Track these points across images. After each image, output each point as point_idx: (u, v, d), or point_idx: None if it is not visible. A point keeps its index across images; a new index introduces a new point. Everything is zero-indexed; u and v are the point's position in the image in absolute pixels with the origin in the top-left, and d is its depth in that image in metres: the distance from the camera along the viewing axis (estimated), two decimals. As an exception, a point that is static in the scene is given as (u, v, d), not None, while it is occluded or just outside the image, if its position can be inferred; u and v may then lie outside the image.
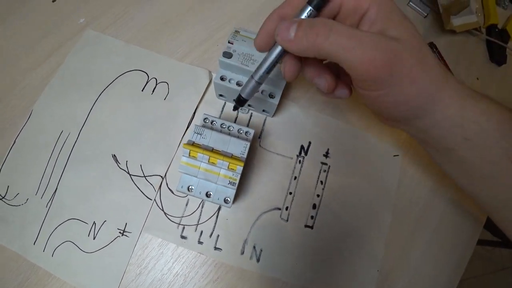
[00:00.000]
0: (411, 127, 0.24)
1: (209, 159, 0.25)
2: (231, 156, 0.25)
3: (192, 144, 0.25)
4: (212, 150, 0.25)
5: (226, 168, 0.25)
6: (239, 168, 0.25)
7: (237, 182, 0.25)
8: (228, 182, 0.25)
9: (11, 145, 0.33)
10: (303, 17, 0.20)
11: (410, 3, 0.45)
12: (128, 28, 0.38)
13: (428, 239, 0.34)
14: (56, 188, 0.32)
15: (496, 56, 0.43)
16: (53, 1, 0.40)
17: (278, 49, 0.21)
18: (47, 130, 0.34)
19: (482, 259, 0.91)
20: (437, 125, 0.22)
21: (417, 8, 0.45)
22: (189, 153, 0.25)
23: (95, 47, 0.37)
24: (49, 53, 0.37)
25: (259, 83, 0.23)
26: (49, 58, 0.37)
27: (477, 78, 0.42)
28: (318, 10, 0.20)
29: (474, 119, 0.21)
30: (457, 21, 0.42)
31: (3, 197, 0.32)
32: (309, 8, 0.19)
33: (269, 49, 0.21)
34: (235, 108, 0.25)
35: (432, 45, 0.42)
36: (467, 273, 0.33)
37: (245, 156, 0.25)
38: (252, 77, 0.23)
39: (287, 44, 0.19)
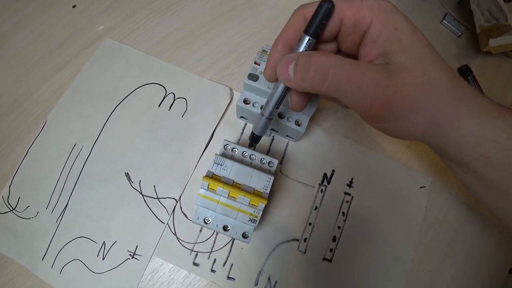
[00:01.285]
0: (424, 142, 0.22)
1: (229, 194, 0.23)
2: (253, 192, 0.23)
3: (211, 176, 0.23)
4: (232, 184, 0.23)
5: (247, 204, 0.23)
6: (261, 205, 0.23)
7: (258, 219, 0.23)
8: (249, 219, 0.23)
9: (24, 155, 0.32)
10: (302, 48, 0.19)
11: (444, 21, 0.42)
12: (147, 38, 0.37)
13: (453, 275, 0.32)
14: (67, 204, 0.31)
15: None
16: (73, 7, 0.38)
17: (281, 85, 0.20)
18: (60, 142, 0.33)
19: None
20: (450, 144, 0.20)
21: (451, 26, 0.42)
22: (208, 185, 0.23)
23: (113, 57, 0.36)
24: (67, 60, 0.36)
25: (270, 119, 0.23)
26: (66, 66, 0.36)
27: (512, 104, 0.40)
28: (316, 38, 0.19)
29: (492, 138, 0.19)
30: (493, 42, 0.39)
31: (14, 209, 0.31)
32: (307, 38, 0.19)
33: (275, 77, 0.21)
34: (250, 146, 0.25)
35: (466, 68, 0.39)
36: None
37: (268, 191, 0.24)
38: (262, 114, 0.23)
39: (288, 84, 0.19)
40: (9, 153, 0.33)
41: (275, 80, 0.21)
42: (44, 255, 0.30)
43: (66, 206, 0.31)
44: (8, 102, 0.35)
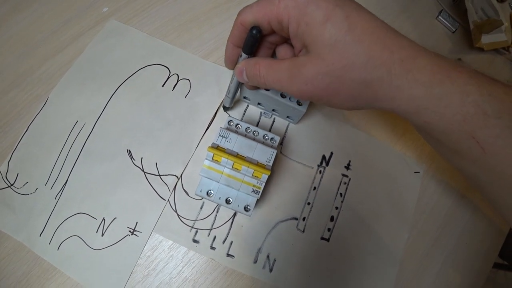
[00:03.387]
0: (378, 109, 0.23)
1: (233, 165, 0.24)
2: (257, 163, 0.24)
3: (216, 147, 0.24)
4: (237, 155, 0.24)
5: (251, 176, 0.24)
6: (264, 176, 0.24)
7: (261, 190, 0.24)
8: (252, 190, 0.24)
9: (23, 132, 0.32)
10: (242, 58, 0.24)
11: (439, 17, 0.44)
12: (151, 21, 0.37)
13: (445, 257, 0.33)
14: (67, 180, 0.31)
15: None
16: (76, -12, 0.39)
17: (236, 80, 0.27)
18: (61, 119, 0.33)
19: (487, 280, 0.90)
20: (396, 112, 0.21)
21: (446, 23, 0.44)
22: (213, 156, 0.24)
23: (118, 37, 0.36)
24: (69, 41, 0.36)
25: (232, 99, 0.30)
26: (68, 46, 0.36)
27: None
28: (251, 54, 0.24)
29: (430, 108, 0.20)
30: (486, 39, 0.41)
31: (12, 185, 0.31)
32: (245, 55, 0.24)
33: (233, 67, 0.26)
34: (225, 109, 0.33)
35: (459, 62, 0.41)
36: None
37: (271, 164, 0.24)
38: (228, 96, 0.30)
39: (246, 83, 0.25)
40: (9, 130, 0.33)
41: (232, 68, 0.26)
42: (42, 231, 0.30)
43: (66, 182, 0.31)
44: (9, 80, 0.34)
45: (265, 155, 0.24)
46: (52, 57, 0.35)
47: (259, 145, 0.25)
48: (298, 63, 0.21)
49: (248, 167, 0.23)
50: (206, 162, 0.24)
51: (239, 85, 0.28)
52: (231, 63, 0.26)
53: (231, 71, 0.28)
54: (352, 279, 0.31)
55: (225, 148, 0.24)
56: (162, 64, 0.35)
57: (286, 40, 0.25)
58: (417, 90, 0.19)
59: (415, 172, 0.35)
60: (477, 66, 0.42)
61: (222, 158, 0.24)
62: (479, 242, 0.34)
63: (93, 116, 0.33)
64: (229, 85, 0.28)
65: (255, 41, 0.22)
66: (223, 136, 0.24)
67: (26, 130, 0.32)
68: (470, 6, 0.41)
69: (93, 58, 0.35)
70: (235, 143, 0.25)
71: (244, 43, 0.23)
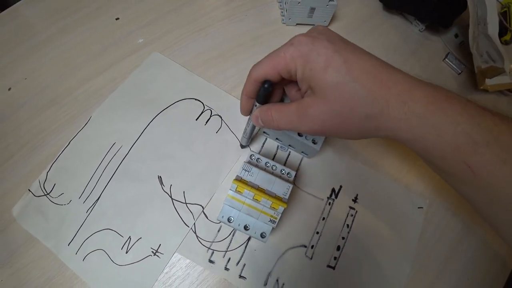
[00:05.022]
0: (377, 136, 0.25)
1: (254, 196, 0.26)
2: (275, 196, 0.27)
3: (240, 180, 0.27)
4: (257, 188, 0.27)
5: (269, 207, 0.27)
6: (281, 208, 0.26)
7: (277, 220, 0.27)
8: (269, 219, 0.27)
9: (64, 146, 0.35)
10: (256, 107, 0.27)
11: (446, 59, 0.47)
12: (181, 54, 0.41)
13: None
14: (100, 196, 0.33)
15: None
16: (116, 19, 0.43)
17: (252, 124, 0.30)
18: (101, 139, 0.36)
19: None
20: (397, 139, 0.23)
21: (452, 64, 0.47)
22: (236, 188, 0.26)
23: (159, 69, 0.39)
24: (106, 67, 0.40)
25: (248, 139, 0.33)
26: (105, 71, 0.39)
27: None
28: (264, 103, 0.26)
29: (425, 137, 0.22)
30: (490, 81, 0.43)
31: (48, 193, 0.33)
32: (258, 104, 0.26)
33: (249, 114, 0.29)
34: (242, 147, 0.35)
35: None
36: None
37: (287, 197, 0.27)
38: (243, 136, 0.33)
39: (263, 127, 0.27)
40: (45, 144, 0.35)
41: (247, 115, 0.29)
42: (71, 241, 0.32)
43: (98, 198, 0.33)
44: (49, 97, 0.38)
45: (282, 189, 0.27)
46: (89, 81, 0.39)
47: (278, 179, 0.27)
48: (304, 104, 0.23)
49: (267, 199, 0.26)
50: (230, 193, 0.27)
51: (254, 127, 0.31)
52: (246, 112, 0.29)
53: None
54: (355, 307, 0.33)
55: (248, 180, 0.27)
56: (197, 98, 0.38)
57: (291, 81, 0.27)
58: (413, 120, 0.21)
59: (418, 208, 0.37)
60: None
61: (245, 190, 0.26)
62: (482, 278, 0.35)
63: (130, 140, 0.36)
64: (246, 128, 0.31)
65: (268, 93, 0.25)
66: (246, 170, 0.27)
67: (68, 145, 0.35)
68: (474, 52, 0.43)
69: (136, 85, 0.38)
70: (257, 176, 0.27)
71: (258, 95, 0.26)
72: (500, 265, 0.36)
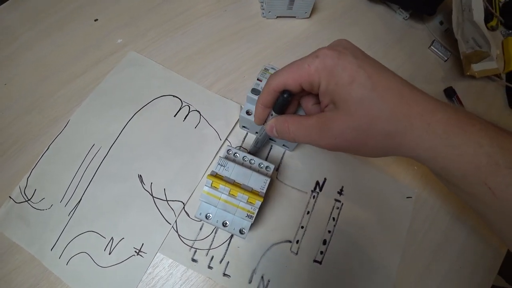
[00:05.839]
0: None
1: (230, 191, 0.26)
2: (251, 191, 0.26)
3: (215, 175, 0.26)
4: (233, 183, 0.26)
5: (245, 202, 0.26)
6: (258, 202, 0.26)
7: (254, 215, 0.26)
8: (246, 215, 0.26)
9: (44, 151, 0.35)
10: (272, 116, 0.26)
11: (431, 47, 0.47)
12: (160, 52, 0.41)
13: (440, 281, 0.34)
14: (81, 199, 0.33)
15: None
16: (95, 20, 0.42)
17: (265, 133, 0.28)
18: (80, 141, 0.35)
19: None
20: (415, 158, 0.23)
21: (438, 52, 0.46)
22: (212, 183, 0.26)
23: (136, 68, 0.39)
24: (86, 68, 0.39)
25: (258, 147, 0.32)
26: (85, 73, 0.39)
27: (495, 124, 0.43)
28: (281, 113, 0.26)
29: (446, 155, 0.22)
30: (477, 67, 0.43)
31: (29, 199, 0.33)
32: (274, 114, 0.26)
33: (263, 123, 0.28)
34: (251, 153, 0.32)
35: (451, 90, 0.43)
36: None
37: (264, 191, 0.26)
38: (255, 146, 0.32)
39: (276, 137, 0.27)
40: (27, 148, 0.35)
41: (261, 124, 0.28)
42: (53, 246, 0.31)
43: (79, 201, 0.33)
44: (29, 102, 0.38)
45: (259, 183, 0.27)
46: (69, 83, 0.39)
47: (254, 173, 0.27)
48: (326, 119, 0.23)
49: (243, 193, 0.26)
50: (206, 188, 0.26)
51: (268, 137, 0.30)
52: (261, 121, 0.28)
53: (245, 111, 0.31)
54: (343, 302, 0.32)
55: (223, 175, 0.27)
56: (175, 95, 0.38)
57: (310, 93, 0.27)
58: (435, 141, 0.21)
59: (407, 197, 0.36)
60: (470, 93, 0.44)
61: (220, 185, 0.26)
62: (473, 267, 0.35)
63: (109, 140, 0.36)
64: (257, 137, 0.30)
65: (286, 104, 0.24)
66: (221, 165, 0.27)
67: (47, 149, 0.35)
68: (459, 38, 0.43)
69: (113, 86, 0.38)
70: (232, 171, 0.27)
71: (275, 105, 0.25)
72: (493, 252, 0.36)
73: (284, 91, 0.24)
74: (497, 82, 0.46)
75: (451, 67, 0.46)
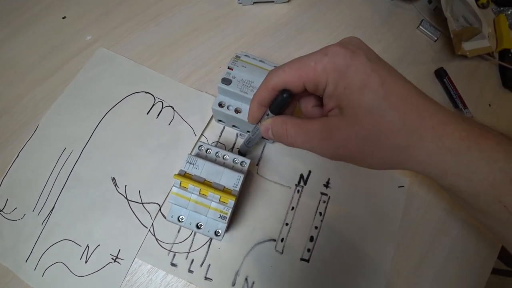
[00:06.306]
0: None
1: (200, 191, 0.24)
2: (223, 189, 0.24)
3: (183, 174, 0.24)
4: (203, 182, 0.24)
5: (217, 201, 0.24)
6: (231, 202, 0.24)
7: (228, 216, 0.24)
8: (219, 215, 0.24)
9: (14, 158, 0.33)
10: (268, 116, 0.23)
11: (420, 27, 0.44)
12: (132, 47, 0.38)
13: (437, 272, 0.32)
14: (54, 206, 0.32)
15: (510, 81, 0.42)
16: (63, 18, 0.40)
17: (260, 134, 0.25)
18: (50, 146, 0.34)
19: (496, 287, 0.88)
20: (422, 171, 0.21)
21: (427, 32, 0.44)
22: (180, 183, 0.24)
23: (106, 65, 0.37)
24: (55, 69, 0.38)
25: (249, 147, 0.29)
26: (54, 73, 0.37)
27: (489, 105, 0.41)
28: (278, 114, 0.23)
29: (457, 172, 0.20)
30: (468, 46, 0.41)
31: (1, 210, 0.32)
32: (270, 114, 0.23)
33: (257, 123, 0.25)
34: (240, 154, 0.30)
35: (442, 71, 0.41)
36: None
37: (237, 189, 0.24)
38: (246, 145, 0.29)
39: (272, 139, 0.24)
40: (-3, 156, 0.34)
41: (255, 123, 0.25)
42: (28, 257, 0.30)
43: (52, 209, 0.32)
44: (-2, 107, 0.36)
45: (232, 180, 0.25)
46: (39, 85, 0.37)
47: (226, 170, 0.25)
48: (330, 125, 0.21)
49: (214, 193, 0.24)
50: (174, 189, 0.24)
51: (261, 138, 0.27)
52: (255, 120, 0.25)
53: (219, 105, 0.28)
54: (335, 300, 0.30)
55: (192, 174, 0.25)
56: (147, 91, 0.36)
57: (310, 94, 0.24)
58: (445, 156, 0.19)
59: (399, 187, 0.34)
60: (462, 73, 0.42)
61: (189, 185, 0.24)
62: (471, 255, 0.33)
63: (80, 143, 0.34)
64: (250, 137, 0.28)
65: (285, 104, 0.22)
66: (190, 163, 0.25)
67: (17, 156, 0.33)
68: (449, 15, 0.40)
69: (82, 86, 0.36)
70: (203, 169, 0.25)
71: (273, 105, 0.22)
72: (490, 240, 0.34)
73: (284, 90, 0.21)
74: (490, 61, 0.44)
75: (441, 47, 0.43)
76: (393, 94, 0.19)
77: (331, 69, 0.19)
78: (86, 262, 0.30)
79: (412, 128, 0.19)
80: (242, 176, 0.25)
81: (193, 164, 0.25)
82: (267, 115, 0.23)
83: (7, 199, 0.32)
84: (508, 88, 0.42)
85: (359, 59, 0.19)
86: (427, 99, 0.20)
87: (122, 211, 0.31)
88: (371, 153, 0.20)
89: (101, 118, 0.35)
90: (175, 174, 0.24)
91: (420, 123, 0.19)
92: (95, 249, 0.30)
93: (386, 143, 0.20)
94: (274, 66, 0.30)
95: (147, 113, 0.35)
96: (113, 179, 0.33)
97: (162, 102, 0.36)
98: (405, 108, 0.19)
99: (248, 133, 0.27)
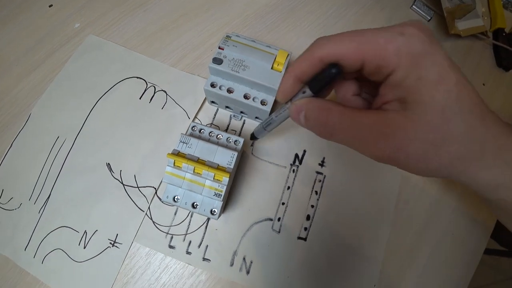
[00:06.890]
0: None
1: (194, 170, 0.24)
2: (217, 167, 0.24)
3: (177, 154, 0.24)
4: (197, 160, 0.24)
5: (212, 179, 0.24)
6: (225, 179, 0.24)
7: (222, 193, 0.24)
8: (214, 193, 0.24)
9: (7, 149, 0.33)
10: (303, 95, 0.19)
11: (413, 6, 0.44)
12: (121, 33, 0.38)
13: (431, 251, 0.33)
14: (50, 195, 0.32)
15: (504, 61, 0.41)
16: (49, 6, 0.40)
17: (286, 115, 0.22)
18: (43, 135, 0.34)
19: (489, 267, 0.89)
20: (470, 185, 0.20)
21: (420, 11, 0.44)
22: (174, 163, 0.24)
23: (95, 52, 0.37)
24: (43, 59, 0.37)
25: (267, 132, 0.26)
26: (42, 64, 0.37)
27: (483, 84, 0.41)
28: (316, 94, 0.19)
29: (509, 186, 0.18)
30: (462, 25, 0.40)
31: None
32: (309, 92, 0.19)
33: (287, 101, 0.21)
34: (252, 138, 0.27)
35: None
36: (475, 282, 0.32)
37: (232, 166, 0.24)
38: (264, 128, 0.25)
39: (302, 125, 0.20)
40: (-10, 148, 0.33)
41: (285, 102, 0.21)
42: (27, 245, 0.30)
43: (48, 197, 0.32)
44: (-13, 101, 0.35)
45: (226, 158, 0.25)
46: (27, 76, 0.36)
47: (220, 148, 0.25)
48: (391, 121, 0.17)
49: (208, 171, 0.24)
50: (168, 169, 0.24)
51: (284, 120, 0.23)
52: (287, 97, 0.20)
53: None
54: (332, 278, 0.30)
55: (186, 153, 0.25)
56: (139, 76, 0.36)
57: (355, 77, 0.21)
58: (502, 168, 0.18)
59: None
60: (456, 53, 0.42)
61: (183, 163, 0.24)
62: (465, 233, 0.34)
63: (73, 132, 0.34)
64: (272, 118, 0.23)
65: (330, 82, 0.18)
66: (183, 142, 0.25)
67: (10, 147, 0.33)
68: (442, -7, 0.40)
69: (73, 74, 0.36)
70: (196, 148, 0.25)
71: (315, 80, 0.18)
72: (485, 215, 0.34)
73: (332, 64, 0.17)
74: (484, 41, 0.43)
75: (435, 27, 0.43)
76: (465, 96, 0.17)
77: (406, 53, 0.16)
78: (84, 247, 0.30)
79: (475, 136, 0.17)
80: (236, 154, 0.25)
81: (187, 143, 0.25)
82: (303, 93, 0.19)
83: (3, 190, 0.32)
84: (502, 68, 0.42)
85: (438, 50, 0.16)
86: (488, 108, 0.18)
87: (118, 196, 0.32)
88: (430, 160, 0.17)
89: (94, 105, 0.35)
90: (168, 153, 0.24)
91: (484, 131, 0.17)
92: (93, 234, 0.31)
93: (448, 150, 0.17)
94: (267, 46, 0.30)
95: (140, 98, 0.35)
96: (108, 164, 0.33)
97: (155, 87, 0.35)
98: (475, 114, 0.17)
99: (271, 115, 0.23)
